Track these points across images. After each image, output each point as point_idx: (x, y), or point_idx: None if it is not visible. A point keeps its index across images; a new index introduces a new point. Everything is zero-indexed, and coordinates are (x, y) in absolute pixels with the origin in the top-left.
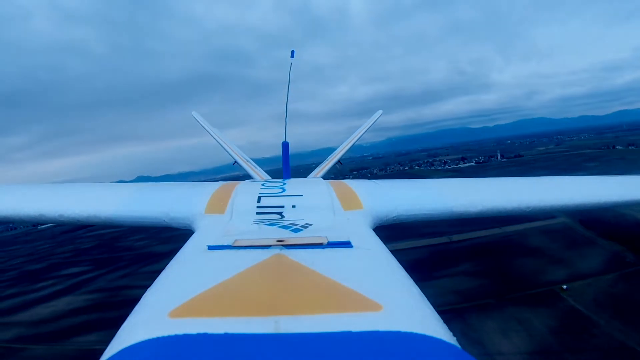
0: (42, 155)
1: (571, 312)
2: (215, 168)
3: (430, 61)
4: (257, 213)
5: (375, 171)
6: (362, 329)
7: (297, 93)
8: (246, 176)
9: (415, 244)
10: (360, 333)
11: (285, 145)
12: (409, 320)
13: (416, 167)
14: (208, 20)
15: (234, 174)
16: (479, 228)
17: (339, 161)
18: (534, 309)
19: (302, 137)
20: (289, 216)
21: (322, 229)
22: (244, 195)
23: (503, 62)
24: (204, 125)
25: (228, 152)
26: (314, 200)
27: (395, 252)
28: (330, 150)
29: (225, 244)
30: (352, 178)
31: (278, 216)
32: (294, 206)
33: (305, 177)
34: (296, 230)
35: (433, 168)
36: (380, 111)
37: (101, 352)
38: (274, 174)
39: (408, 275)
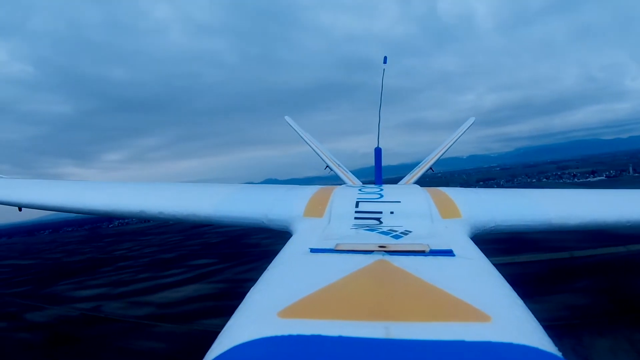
0: (175, 155)
1: None
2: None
3: (559, 68)
4: (355, 218)
5: (502, 182)
6: (474, 338)
7: (422, 101)
8: (338, 182)
9: (534, 257)
10: (473, 343)
11: (378, 151)
12: (518, 332)
13: (544, 180)
14: (336, 29)
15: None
16: (600, 245)
17: (430, 168)
18: None
19: (428, 146)
20: (387, 222)
21: (422, 236)
22: (342, 199)
23: (637, 68)
24: (296, 129)
25: (320, 157)
26: (412, 207)
27: (513, 265)
28: (456, 160)
29: (327, 247)
30: (478, 188)
31: (376, 222)
32: (392, 212)
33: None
34: (396, 237)
35: (562, 181)
36: (473, 118)
37: None
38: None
39: (512, 288)
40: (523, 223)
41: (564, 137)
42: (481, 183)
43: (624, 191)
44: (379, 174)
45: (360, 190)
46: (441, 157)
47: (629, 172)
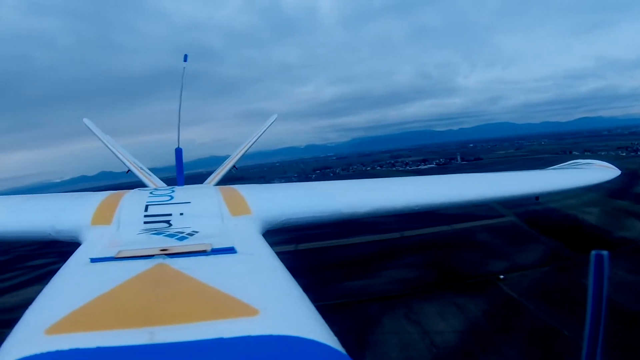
0: (0, 148)
1: (505, 299)
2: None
3: (396, 64)
4: (145, 222)
5: (338, 171)
6: (236, 334)
7: (263, 92)
8: (140, 184)
9: (367, 239)
10: (233, 339)
11: (178, 152)
12: (285, 324)
13: (378, 168)
14: (178, 16)
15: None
16: (429, 225)
17: (234, 166)
18: (471, 295)
19: (267, 137)
20: (177, 224)
21: (209, 235)
22: (130, 204)
23: (468, 67)
24: (96, 132)
25: (121, 160)
26: (201, 207)
27: (348, 247)
28: (294, 150)
29: (109, 255)
30: (313, 177)
31: (166, 224)
32: (181, 214)
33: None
34: (182, 239)
35: (394, 169)
36: (276, 115)
37: None
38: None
39: (292, 279)
40: (314, 215)
41: (398, 128)
42: (318, 172)
43: (410, 178)
44: (181, 174)
45: (151, 193)
46: (278, 148)
47: (457, 160)
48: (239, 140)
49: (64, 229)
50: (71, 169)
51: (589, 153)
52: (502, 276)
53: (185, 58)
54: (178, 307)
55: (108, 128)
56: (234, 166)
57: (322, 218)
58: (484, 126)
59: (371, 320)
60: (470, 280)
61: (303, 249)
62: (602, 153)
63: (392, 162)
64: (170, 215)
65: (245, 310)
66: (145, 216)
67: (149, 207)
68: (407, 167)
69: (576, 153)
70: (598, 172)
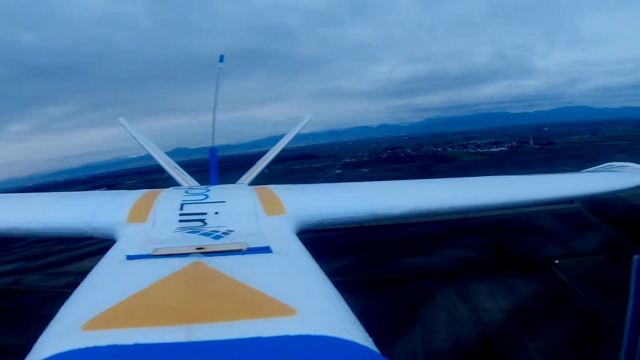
0: (84, 125)
1: (556, 283)
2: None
3: (472, 43)
4: (180, 221)
5: (408, 151)
6: (274, 334)
7: (337, 71)
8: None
9: (432, 218)
10: (271, 338)
11: (212, 151)
12: (323, 324)
13: (449, 149)
14: None
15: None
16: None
17: (268, 166)
18: (525, 277)
19: (339, 115)
20: (212, 223)
21: (244, 235)
22: (166, 202)
23: (547, 48)
24: (131, 132)
25: (155, 159)
26: (236, 206)
27: (415, 225)
28: (367, 129)
29: (145, 253)
30: (384, 157)
31: (201, 223)
32: (216, 213)
33: (235, 182)
34: (217, 237)
35: (465, 150)
36: (310, 116)
37: None
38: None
39: (327, 279)
40: (349, 215)
41: (473, 109)
42: (389, 151)
43: (445, 180)
44: (215, 173)
45: (186, 192)
46: (350, 127)
47: (529, 144)
48: (313, 118)
49: (100, 226)
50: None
51: None
52: (557, 261)
53: (222, 59)
54: (215, 305)
55: (186, 106)
56: (267, 166)
57: (356, 218)
58: (560, 109)
59: (424, 295)
60: (526, 263)
61: (369, 226)
62: None
63: (465, 143)
64: (205, 214)
65: (283, 310)
66: (181, 214)
67: (184, 205)
68: (479, 149)
69: None
70: (634, 175)
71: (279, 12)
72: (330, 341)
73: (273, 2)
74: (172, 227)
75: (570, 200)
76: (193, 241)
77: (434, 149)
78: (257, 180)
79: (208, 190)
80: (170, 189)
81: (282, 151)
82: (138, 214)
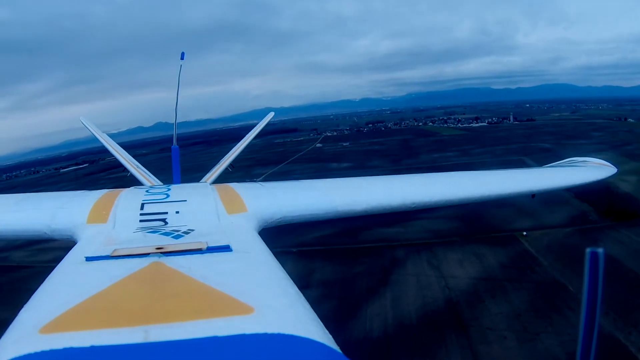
0: (62, 101)
1: (523, 253)
2: (233, 116)
3: (454, 19)
4: (141, 221)
5: (389, 125)
6: (231, 332)
7: (318, 45)
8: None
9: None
10: (228, 337)
11: (175, 150)
12: (280, 322)
13: (430, 124)
14: None
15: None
16: None
17: (231, 165)
18: (492, 247)
19: (322, 89)
20: (173, 222)
21: (205, 234)
22: (126, 202)
23: (529, 25)
24: (92, 130)
25: (117, 158)
26: (197, 205)
27: None
28: (349, 103)
29: (104, 254)
30: (365, 130)
31: (162, 223)
32: (177, 212)
33: (200, 179)
34: (177, 237)
35: (446, 125)
36: (272, 113)
37: None
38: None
39: (287, 277)
40: (310, 213)
41: (455, 84)
42: (370, 125)
43: (407, 176)
44: (177, 172)
45: (147, 191)
46: (333, 100)
47: (509, 120)
48: (295, 92)
49: (59, 227)
50: (128, 120)
51: None
52: (525, 233)
53: (182, 56)
54: (173, 305)
55: (165, 80)
56: (230, 165)
57: (318, 215)
58: (543, 87)
59: (397, 262)
60: (495, 234)
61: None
62: None
63: (445, 118)
64: (166, 213)
65: (240, 308)
66: (141, 214)
67: (145, 205)
68: (459, 124)
69: (631, 120)
70: (594, 170)
71: None
72: (287, 339)
73: None
74: (132, 228)
75: (532, 195)
76: (153, 241)
77: (415, 123)
78: (220, 179)
79: (169, 189)
80: (131, 188)
81: (264, 125)
82: (98, 215)
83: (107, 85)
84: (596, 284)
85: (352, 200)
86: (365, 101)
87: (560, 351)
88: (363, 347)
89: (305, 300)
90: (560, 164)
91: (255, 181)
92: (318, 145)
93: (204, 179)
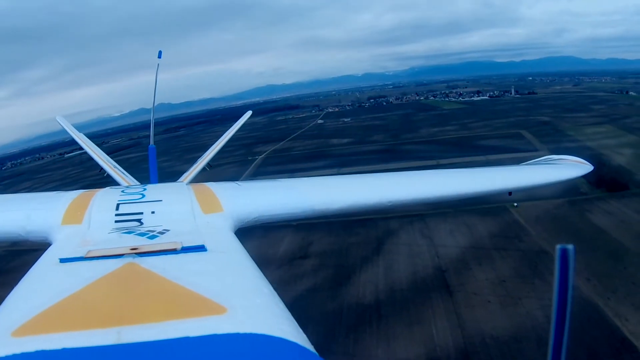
0: (64, 86)
1: (512, 223)
2: (236, 94)
3: None
4: (116, 221)
5: (391, 100)
6: (203, 333)
7: (320, 19)
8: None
9: (406, 164)
10: (199, 337)
11: (151, 150)
12: (253, 322)
13: (431, 98)
14: None
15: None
16: (466, 155)
17: (208, 164)
18: (483, 218)
19: (325, 65)
20: (148, 223)
21: (180, 234)
22: (101, 203)
23: None
24: (69, 130)
25: (94, 158)
26: (173, 205)
27: (389, 171)
28: (351, 78)
29: (78, 255)
30: (366, 106)
31: (137, 223)
32: (153, 212)
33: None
34: (152, 237)
35: (447, 99)
36: (250, 112)
37: None
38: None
39: (262, 277)
40: (286, 212)
41: (458, 58)
42: (372, 100)
43: (385, 174)
44: (154, 172)
45: (123, 191)
46: (335, 76)
47: (510, 94)
48: (297, 68)
49: (34, 229)
50: (130, 102)
51: None
52: (515, 204)
53: (160, 55)
54: (146, 306)
55: (165, 61)
56: (208, 164)
57: (294, 215)
58: (547, 59)
59: (390, 233)
60: (487, 206)
61: (345, 172)
62: None
63: (447, 92)
64: (141, 213)
65: (213, 308)
66: (117, 215)
67: (120, 205)
68: (460, 98)
69: (633, 93)
70: (570, 167)
71: None
72: (259, 338)
73: None
74: (107, 228)
75: (509, 193)
76: (128, 242)
77: (417, 97)
78: (198, 178)
79: (145, 189)
80: (106, 188)
81: (266, 102)
82: (73, 216)
83: (109, 68)
84: (566, 280)
85: (328, 199)
86: (367, 76)
87: (540, 314)
88: (357, 310)
89: (280, 300)
90: (538, 162)
91: (232, 181)
92: (320, 121)
93: (181, 179)
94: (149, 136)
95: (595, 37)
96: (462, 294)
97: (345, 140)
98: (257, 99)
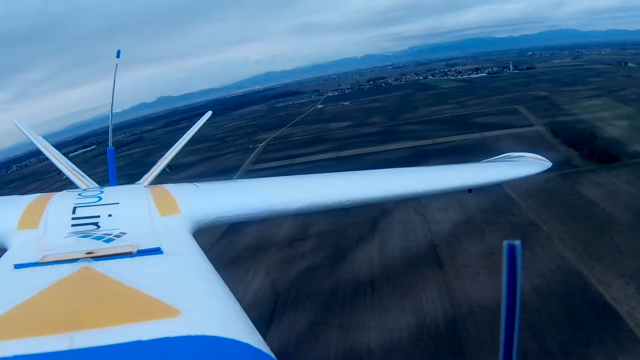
0: (62, 86)
1: (504, 197)
2: (235, 83)
3: None
4: (73, 225)
5: (390, 81)
6: (155, 336)
7: (315, 4)
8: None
9: (403, 145)
10: (152, 341)
11: (110, 152)
12: (207, 324)
13: (430, 77)
14: None
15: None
16: (462, 132)
17: (168, 165)
18: (475, 194)
19: (323, 49)
20: (105, 226)
21: (136, 236)
22: (58, 207)
23: None
24: (26, 132)
25: (52, 162)
26: (130, 207)
27: (386, 152)
28: (351, 61)
29: (33, 260)
30: (366, 88)
31: (94, 227)
32: (110, 215)
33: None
34: (108, 241)
35: (446, 78)
36: (210, 112)
37: None
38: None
39: (218, 279)
40: (245, 212)
41: (458, 35)
42: (371, 82)
43: (343, 174)
44: (113, 174)
45: (79, 195)
46: (335, 59)
47: (509, 69)
48: (296, 54)
49: None
50: (131, 98)
51: None
52: None
53: (118, 54)
54: (99, 310)
55: (164, 54)
56: (168, 165)
57: (253, 215)
58: (546, 33)
59: (385, 211)
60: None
61: (344, 155)
62: None
63: (446, 70)
64: (98, 217)
65: (167, 311)
66: (73, 219)
67: (77, 209)
68: (459, 76)
69: (632, 65)
70: (529, 165)
71: None
72: (212, 340)
73: None
74: (64, 232)
75: (469, 190)
76: (84, 246)
77: (416, 77)
78: (157, 180)
79: (102, 192)
80: (63, 192)
81: (266, 90)
82: (29, 220)
83: (106, 64)
84: (514, 276)
85: (286, 199)
86: (367, 58)
87: (525, 283)
88: (355, 279)
89: (236, 301)
90: (497, 159)
91: (190, 182)
92: (319, 106)
93: (140, 181)
94: (151, 130)
95: (594, 8)
96: (452, 266)
97: (344, 124)
98: (258, 86)
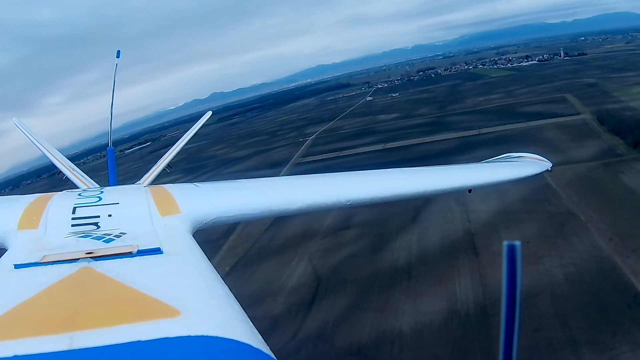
0: (119, 85)
1: (544, 187)
2: (287, 77)
3: None
4: (73, 225)
5: (439, 71)
6: (155, 336)
7: None
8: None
9: (449, 135)
10: (151, 341)
11: (110, 152)
12: (206, 324)
13: (480, 66)
14: None
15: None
16: (508, 122)
17: (168, 165)
18: (515, 183)
19: (373, 40)
20: (105, 226)
21: (136, 237)
22: (58, 207)
23: None
24: (26, 134)
25: (53, 162)
26: (130, 207)
27: (432, 143)
28: (401, 52)
29: (33, 260)
30: (415, 79)
31: (94, 227)
32: (110, 215)
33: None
34: (108, 241)
35: (495, 67)
36: (210, 112)
37: None
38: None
39: (218, 279)
40: (245, 212)
41: (509, 22)
42: (421, 73)
43: (344, 174)
44: (113, 174)
45: (79, 195)
46: (386, 50)
47: (560, 56)
48: (345, 46)
49: None
50: (184, 95)
51: None
52: (549, 169)
53: (118, 54)
54: (99, 310)
55: (214, 50)
56: (168, 165)
57: (252, 215)
58: (600, 17)
59: (426, 202)
60: None
61: (391, 147)
62: None
63: (496, 59)
64: (98, 217)
65: (167, 311)
66: (73, 219)
67: (77, 209)
68: (509, 64)
69: None
70: (529, 165)
71: None
72: (211, 341)
73: None
74: (64, 233)
75: (469, 190)
76: (84, 246)
77: (466, 67)
78: (157, 180)
79: (102, 192)
80: (63, 192)
81: (317, 83)
82: (29, 220)
83: (159, 63)
84: (514, 277)
85: (287, 199)
86: (418, 48)
87: (559, 272)
88: (393, 266)
89: (236, 301)
90: (497, 159)
91: (191, 182)
92: (369, 98)
93: (140, 181)
94: (206, 125)
95: None
96: (487, 255)
97: (392, 116)
98: (309, 80)
